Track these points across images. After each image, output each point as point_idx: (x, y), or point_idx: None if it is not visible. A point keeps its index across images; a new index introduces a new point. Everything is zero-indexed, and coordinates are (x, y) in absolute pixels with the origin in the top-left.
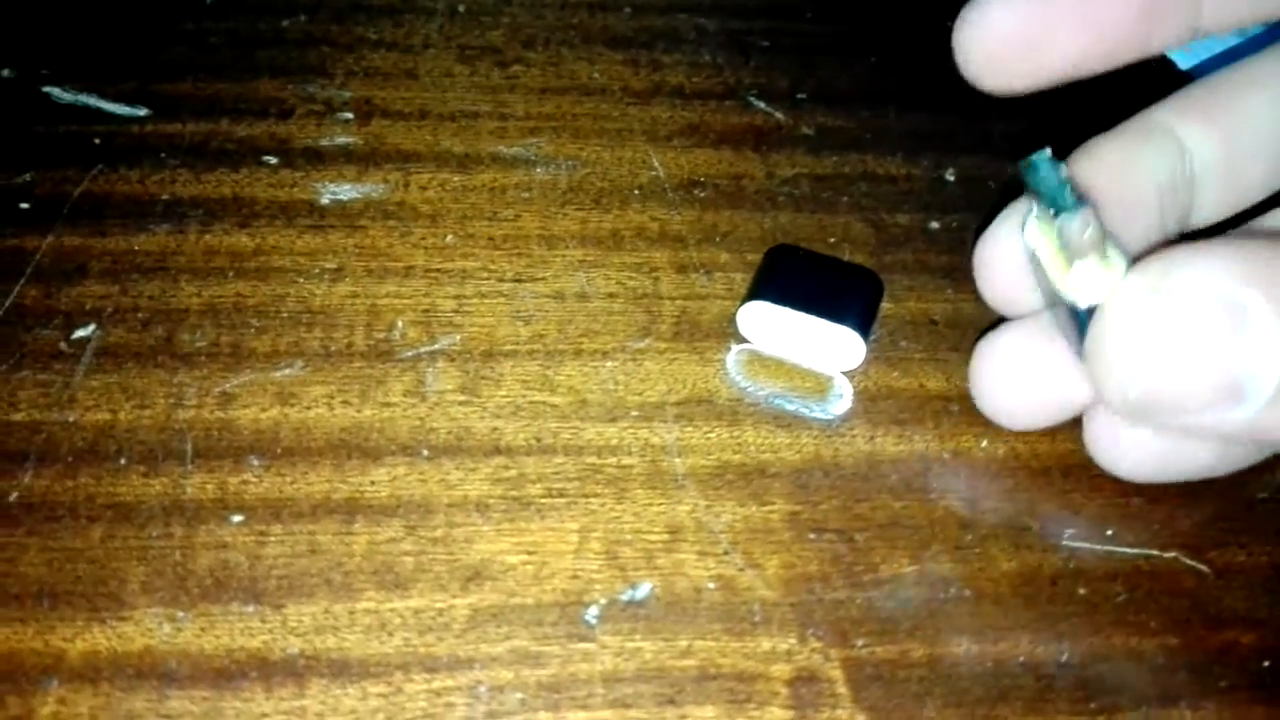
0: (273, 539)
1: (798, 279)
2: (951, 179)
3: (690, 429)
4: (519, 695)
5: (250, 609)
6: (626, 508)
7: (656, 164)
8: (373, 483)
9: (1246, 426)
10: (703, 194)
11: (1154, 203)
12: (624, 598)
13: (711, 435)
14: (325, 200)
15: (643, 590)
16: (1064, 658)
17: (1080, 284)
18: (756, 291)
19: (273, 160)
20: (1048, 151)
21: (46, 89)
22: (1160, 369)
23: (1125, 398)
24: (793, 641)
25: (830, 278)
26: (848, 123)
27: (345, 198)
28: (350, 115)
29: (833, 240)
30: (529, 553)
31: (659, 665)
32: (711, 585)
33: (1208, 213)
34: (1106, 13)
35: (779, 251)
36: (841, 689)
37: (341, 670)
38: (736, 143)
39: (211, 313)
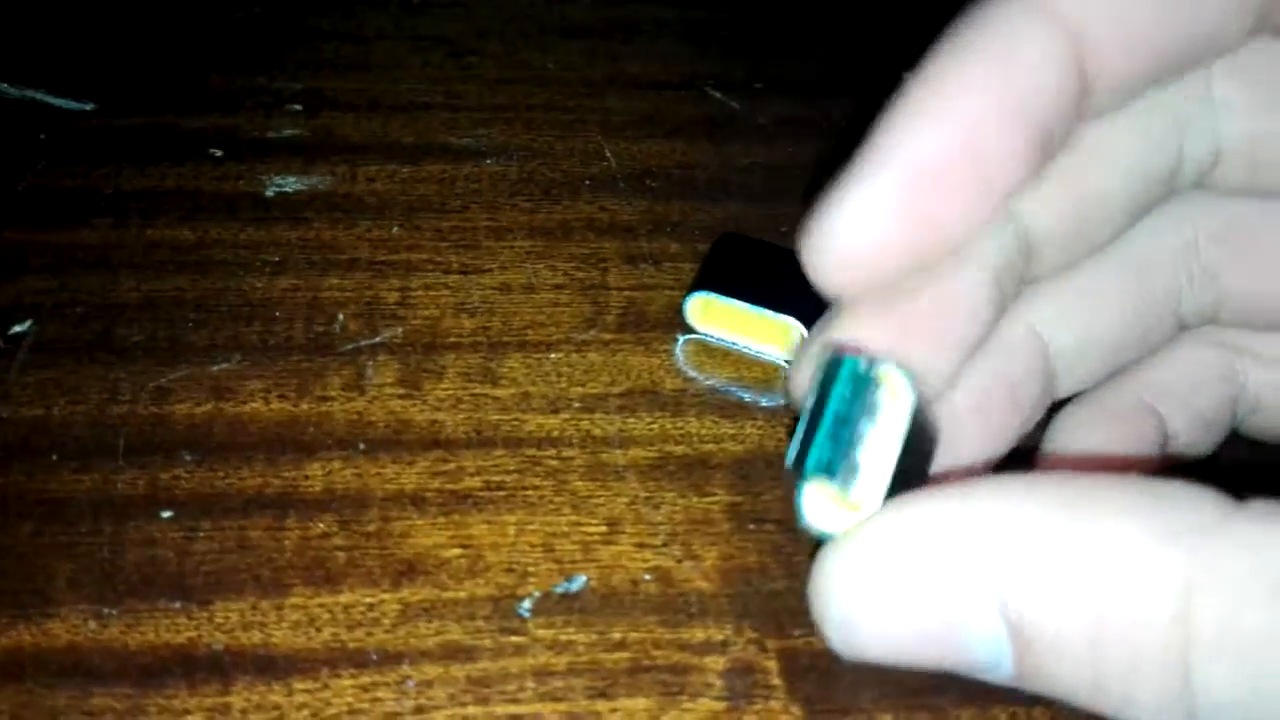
0: (202, 535)
1: (746, 269)
2: None
3: (633, 420)
4: (448, 690)
5: (177, 605)
6: (565, 500)
7: (609, 154)
8: (306, 477)
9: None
10: (655, 184)
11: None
12: (559, 590)
13: (654, 426)
14: (270, 193)
15: (577, 582)
16: None
17: (811, 510)
18: (703, 281)
19: (218, 153)
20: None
21: None
22: (879, 647)
23: (853, 655)
24: (728, 632)
25: (779, 268)
26: (804, 113)
27: (290, 190)
28: (299, 107)
29: (784, 229)
30: (464, 546)
31: (591, 658)
32: (648, 577)
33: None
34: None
35: (727, 241)
36: (776, 680)
37: (267, 667)
38: (691, 133)
39: (150, 307)
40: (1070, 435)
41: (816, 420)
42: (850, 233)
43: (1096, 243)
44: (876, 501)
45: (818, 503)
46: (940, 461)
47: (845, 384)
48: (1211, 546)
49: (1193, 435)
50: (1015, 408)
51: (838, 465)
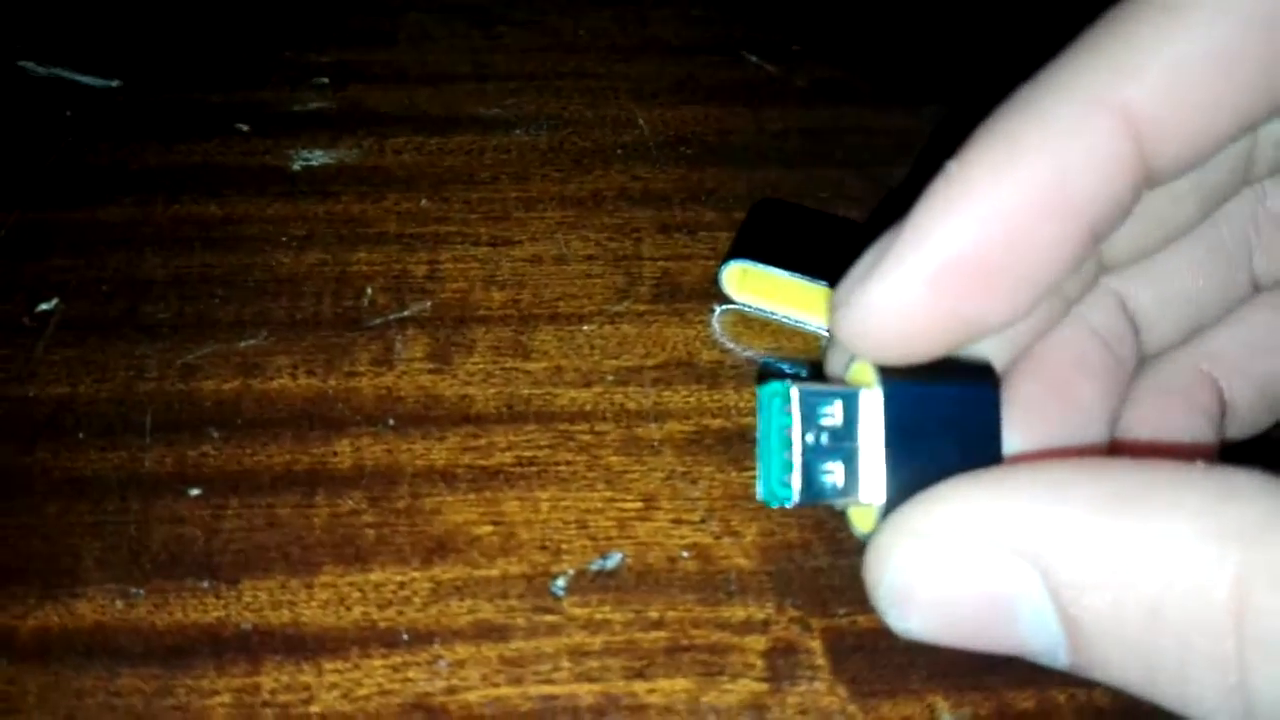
0: (230, 513)
1: (783, 236)
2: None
3: (668, 393)
4: (481, 670)
5: (205, 584)
6: (599, 475)
7: (641, 122)
8: (335, 454)
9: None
10: (689, 151)
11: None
12: (594, 568)
13: (690, 399)
14: (297, 167)
15: (613, 560)
16: None
17: (856, 517)
18: (739, 249)
19: (245, 128)
20: (790, 388)
21: (21, 63)
22: (931, 623)
23: (907, 631)
24: (770, 611)
25: (818, 234)
26: (844, 74)
27: (317, 163)
28: (326, 80)
29: (824, 195)
30: (495, 523)
31: (628, 637)
32: (686, 554)
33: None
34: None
35: (765, 207)
36: (820, 660)
37: (297, 646)
38: (726, 98)
39: (176, 284)
40: (1130, 412)
41: (768, 448)
42: (879, 316)
43: (1170, 238)
44: (881, 496)
45: (856, 513)
46: (1051, 424)
47: (772, 405)
48: (1268, 540)
49: (1255, 408)
50: (1115, 358)
51: (786, 483)
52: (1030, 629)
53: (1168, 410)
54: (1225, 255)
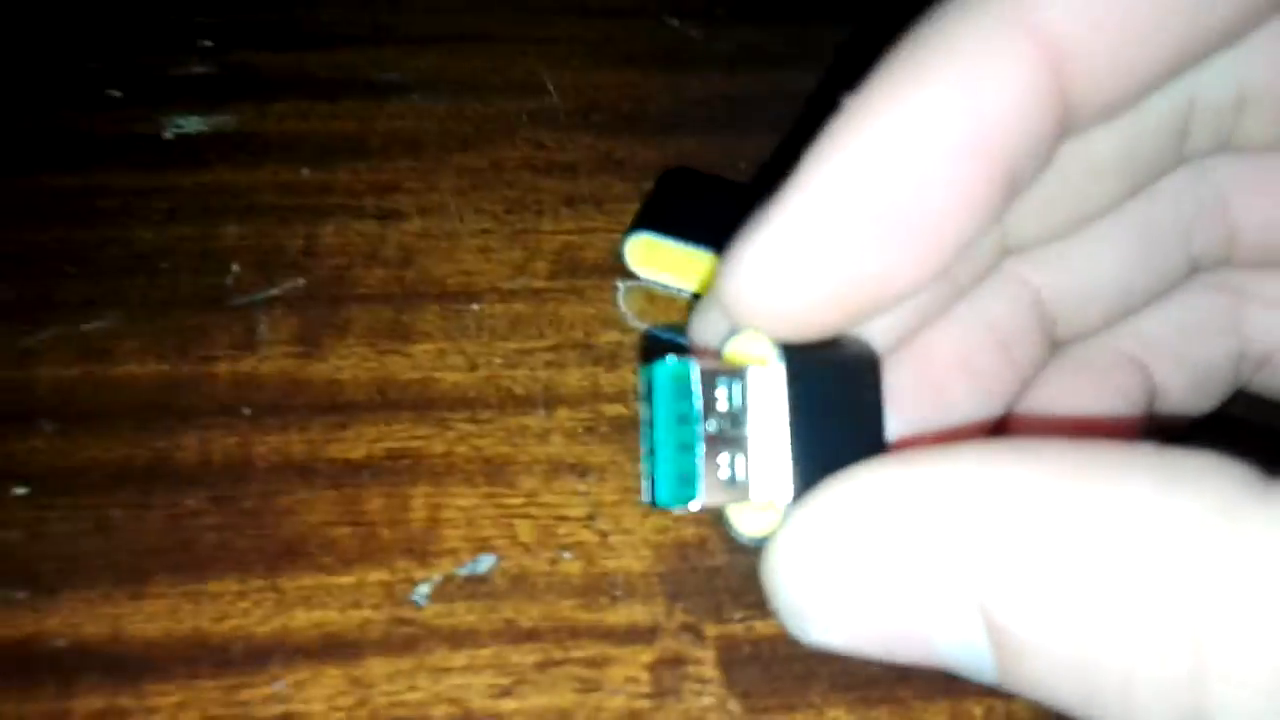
0: (56, 514)
1: (693, 206)
2: None
3: (561, 376)
4: (324, 691)
5: (21, 595)
6: (478, 469)
7: (551, 87)
8: (179, 448)
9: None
10: (601, 119)
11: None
12: (462, 573)
13: (585, 383)
14: (169, 135)
15: (485, 563)
16: None
17: (740, 519)
18: (644, 220)
19: (117, 94)
20: (677, 362)
21: None
22: (839, 634)
23: (812, 643)
24: (658, 617)
25: (730, 205)
26: (770, 39)
27: (192, 130)
28: (210, 43)
29: (743, 166)
30: (355, 524)
31: (495, 651)
32: (568, 555)
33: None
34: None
35: (675, 176)
36: (711, 672)
37: (116, 667)
38: (644, 63)
39: (22, 260)
40: (1039, 390)
41: (653, 439)
42: (767, 275)
43: (1090, 218)
44: (788, 491)
45: (739, 513)
46: (920, 423)
47: (667, 388)
48: (1237, 535)
49: (1186, 392)
50: (1007, 359)
51: (695, 480)
52: (952, 641)
53: (1087, 387)
54: (1158, 237)
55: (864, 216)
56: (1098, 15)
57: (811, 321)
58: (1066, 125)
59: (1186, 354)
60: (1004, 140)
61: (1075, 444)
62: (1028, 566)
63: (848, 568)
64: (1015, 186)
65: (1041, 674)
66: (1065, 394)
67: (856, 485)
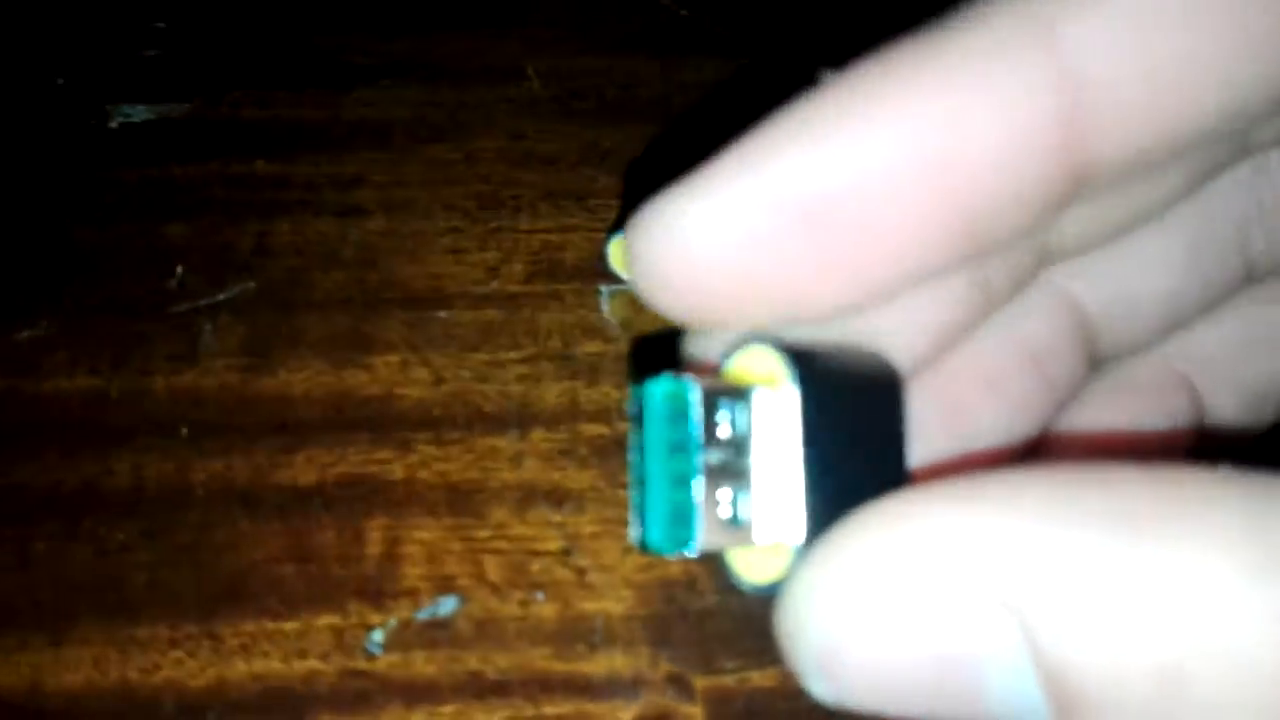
0: None
1: None
2: None
3: (536, 392)
4: None
5: None
6: (442, 497)
7: (531, 73)
8: (110, 473)
9: None
10: (585, 107)
11: None
12: (422, 616)
13: (562, 399)
14: (114, 124)
15: (447, 605)
16: None
17: (742, 564)
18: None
19: (60, 81)
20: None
21: None
22: (869, 693)
23: (839, 702)
24: (642, 667)
25: None
26: (768, 22)
27: (139, 119)
28: (163, 25)
29: None
30: (303, 560)
31: (458, 708)
32: (541, 595)
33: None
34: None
35: (665, 169)
36: None
37: None
38: (632, 47)
39: None
40: (1076, 411)
41: (644, 470)
42: (671, 243)
43: (1141, 220)
44: (800, 533)
45: (742, 558)
46: (945, 447)
47: (662, 411)
48: None
49: (1238, 412)
50: (1042, 377)
51: (691, 520)
52: (1002, 696)
53: (1129, 408)
54: (1212, 241)
55: (798, 209)
56: (1137, 42)
57: (708, 306)
58: (1079, 182)
59: (1239, 372)
60: (978, 186)
61: (1148, 470)
62: (1092, 610)
63: (889, 616)
64: (982, 242)
65: None
66: (1105, 415)
67: (887, 518)
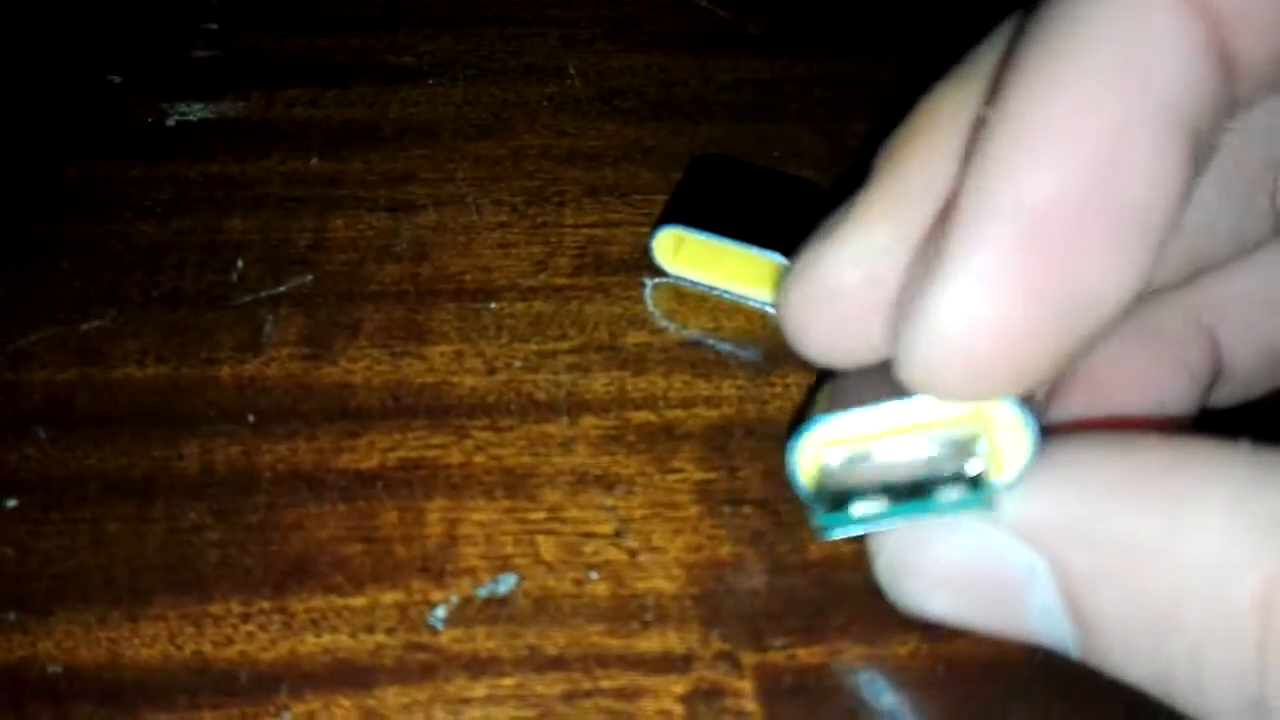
0: (50, 528)
1: (726, 198)
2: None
3: (585, 381)
4: None
5: (11, 616)
6: (498, 480)
7: (572, 71)
8: (180, 457)
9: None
10: (625, 105)
11: None
12: (482, 593)
13: (611, 388)
14: (172, 122)
15: (506, 584)
16: (1040, 656)
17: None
18: (674, 213)
19: (117, 79)
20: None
21: None
22: (933, 600)
23: (909, 606)
24: (693, 644)
25: (768, 196)
26: (803, 20)
27: (195, 118)
28: (215, 26)
29: (777, 154)
30: (368, 540)
31: (518, 681)
32: (595, 575)
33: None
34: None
35: (706, 164)
36: (750, 705)
37: (113, 695)
38: (670, 45)
39: (16, 257)
40: (1102, 348)
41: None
42: (967, 334)
43: None
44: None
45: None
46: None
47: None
48: None
49: (1253, 367)
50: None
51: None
52: (1039, 618)
53: (1145, 356)
54: (1244, 179)
55: (1054, 214)
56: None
57: (973, 379)
58: (1236, 94)
59: (1260, 325)
60: (1185, 101)
61: (1168, 439)
62: (1106, 555)
63: (948, 542)
64: (1202, 160)
65: (1117, 657)
66: (1118, 360)
67: None
